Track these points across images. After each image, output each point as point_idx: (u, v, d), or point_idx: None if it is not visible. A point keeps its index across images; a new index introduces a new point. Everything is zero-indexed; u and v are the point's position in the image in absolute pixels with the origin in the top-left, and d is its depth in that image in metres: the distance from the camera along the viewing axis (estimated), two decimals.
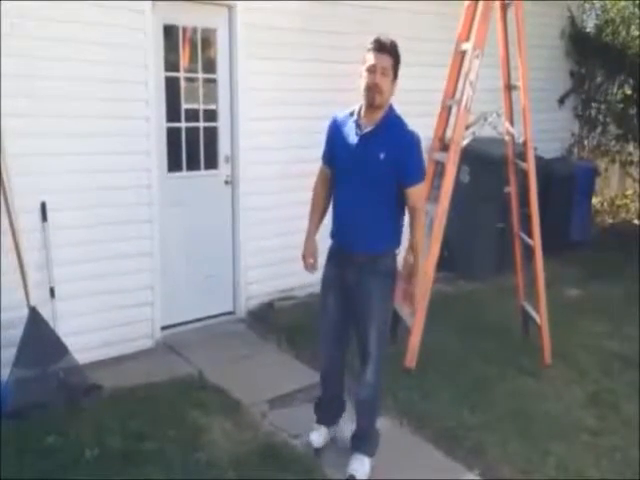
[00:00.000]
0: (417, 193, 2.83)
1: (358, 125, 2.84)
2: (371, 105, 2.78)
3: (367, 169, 2.79)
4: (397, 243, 2.94)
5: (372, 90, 2.73)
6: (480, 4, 3.95)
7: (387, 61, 2.74)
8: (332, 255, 3.01)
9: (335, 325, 3.05)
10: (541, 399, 3.68)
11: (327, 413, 3.26)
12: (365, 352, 2.95)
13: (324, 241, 3.08)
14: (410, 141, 2.81)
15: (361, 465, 2.99)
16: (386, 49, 2.74)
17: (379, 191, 2.79)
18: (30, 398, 3.39)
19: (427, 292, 3.86)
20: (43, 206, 3.78)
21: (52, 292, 3.80)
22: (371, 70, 2.74)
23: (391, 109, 2.85)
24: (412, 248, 2.90)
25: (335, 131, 2.96)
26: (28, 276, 3.64)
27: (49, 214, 3.79)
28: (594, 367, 4.10)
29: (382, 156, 2.75)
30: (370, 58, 2.75)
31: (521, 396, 3.70)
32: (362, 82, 2.78)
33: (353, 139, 2.84)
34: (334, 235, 2.99)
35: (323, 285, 3.07)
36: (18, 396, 3.38)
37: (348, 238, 2.90)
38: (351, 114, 2.90)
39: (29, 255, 3.69)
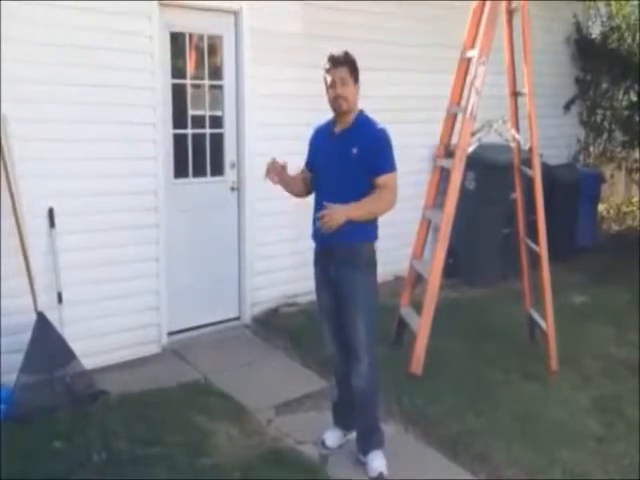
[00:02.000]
0: (386, 180, 2.91)
1: (333, 131, 3.06)
2: (339, 112, 3.00)
3: (340, 165, 2.97)
4: (373, 235, 3.03)
5: (338, 100, 2.96)
6: (486, 10, 3.97)
7: (343, 71, 2.95)
8: (316, 256, 3.15)
9: (334, 321, 3.10)
10: (547, 405, 3.66)
11: (341, 415, 3.28)
12: (355, 344, 3.00)
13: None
14: (379, 134, 2.97)
15: (380, 459, 3.05)
16: (339, 62, 2.96)
17: (353, 184, 2.93)
18: (37, 403, 3.41)
19: (433, 298, 3.86)
20: (50, 212, 3.80)
21: (59, 297, 3.82)
22: (332, 86, 2.96)
23: (361, 112, 3.04)
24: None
25: (314, 139, 3.21)
26: (35, 281, 3.66)
27: (56, 219, 3.82)
28: (600, 373, 4.08)
29: (354, 150, 2.93)
30: (329, 77, 2.98)
31: (527, 402, 3.69)
32: (328, 98, 3.01)
33: (328, 142, 3.08)
34: (314, 234, 3.09)
35: (315, 287, 3.19)
36: (25, 401, 3.41)
37: (321, 232, 3.00)
38: (328, 123, 3.12)
39: (36, 260, 3.72)
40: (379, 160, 2.92)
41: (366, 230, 3.00)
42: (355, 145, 2.93)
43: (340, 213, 2.81)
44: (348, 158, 2.93)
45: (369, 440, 3.10)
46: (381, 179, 2.90)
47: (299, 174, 3.22)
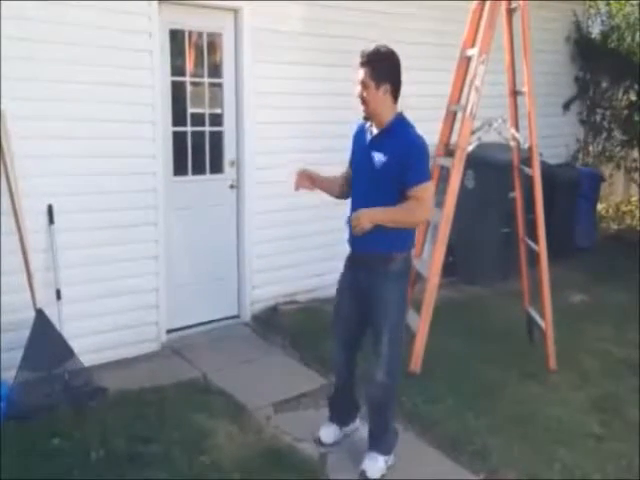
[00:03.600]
0: (417, 192, 2.80)
1: (370, 133, 2.98)
2: (364, 116, 2.94)
3: (372, 171, 2.89)
4: (404, 246, 2.97)
5: (361, 102, 2.90)
6: (486, 9, 3.96)
7: (363, 72, 2.86)
8: (347, 259, 3.12)
9: (348, 327, 3.11)
10: (546, 404, 3.67)
11: (338, 412, 3.30)
12: (377, 353, 2.98)
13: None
14: (412, 143, 2.86)
15: (374, 463, 3.03)
16: (363, 62, 2.87)
17: (384, 193, 2.85)
18: (36, 400, 3.41)
19: (432, 297, 3.86)
20: (50, 209, 3.80)
21: (58, 294, 3.82)
22: (358, 84, 2.90)
23: (398, 116, 2.94)
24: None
25: (355, 138, 3.11)
26: (34, 278, 3.66)
27: (55, 216, 3.81)
28: (599, 372, 4.09)
29: (386, 158, 2.85)
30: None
31: (526, 401, 3.70)
32: None
33: (365, 144, 2.99)
34: (348, 239, 3.05)
35: (338, 288, 3.17)
36: (24, 398, 3.41)
37: (358, 238, 2.97)
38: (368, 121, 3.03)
39: (35, 257, 3.72)
40: (410, 171, 2.81)
41: (401, 239, 2.93)
42: (387, 152, 2.84)
43: (366, 218, 2.76)
44: (378, 165, 2.86)
45: (373, 441, 3.09)
46: (412, 191, 2.80)
47: (342, 174, 3.15)
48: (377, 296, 2.93)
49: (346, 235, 3.01)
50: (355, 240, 2.98)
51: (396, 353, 3.00)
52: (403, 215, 2.84)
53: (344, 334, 3.14)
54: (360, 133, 3.06)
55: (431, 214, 2.91)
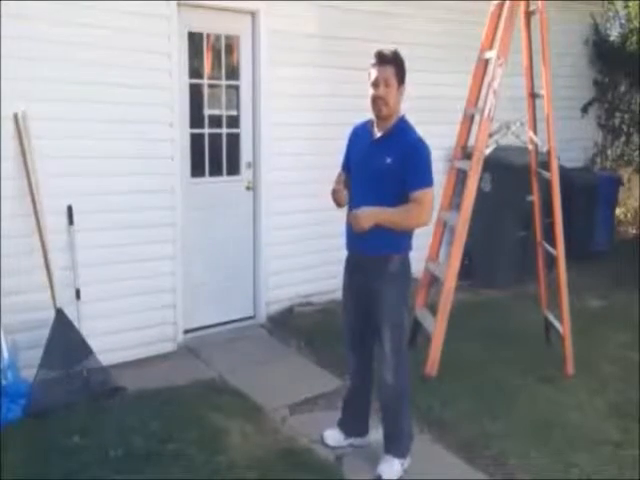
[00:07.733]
0: (418, 196, 2.80)
1: (371, 134, 2.96)
2: (378, 117, 2.91)
3: (374, 173, 2.89)
4: (403, 247, 2.96)
5: (377, 103, 2.87)
6: (504, 12, 3.95)
7: (389, 71, 2.85)
8: (346, 261, 3.12)
9: (352, 328, 3.12)
10: (563, 409, 3.64)
11: (347, 418, 3.29)
12: (382, 354, 2.99)
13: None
14: (415, 146, 2.86)
15: (389, 466, 3.02)
16: (387, 60, 2.85)
17: (383, 195, 2.84)
18: (55, 398, 3.45)
19: (448, 300, 3.85)
20: (69, 209, 3.84)
21: (77, 294, 3.86)
22: (375, 84, 2.87)
23: (402, 118, 2.94)
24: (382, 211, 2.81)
25: (352, 139, 3.11)
26: (54, 278, 3.70)
27: (75, 217, 3.85)
28: (616, 377, 4.05)
29: (388, 160, 2.84)
30: (373, 72, 2.87)
31: (543, 405, 3.67)
32: (369, 96, 2.90)
33: (365, 146, 2.97)
34: (346, 241, 3.06)
35: (342, 291, 3.17)
36: (43, 396, 3.45)
37: (354, 240, 2.98)
38: (367, 123, 3.03)
39: (55, 257, 3.76)
40: (412, 174, 2.81)
41: (397, 241, 2.92)
42: (390, 155, 2.83)
43: (365, 216, 2.77)
44: (380, 167, 2.85)
45: (388, 444, 3.09)
46: (413, 194, 2.80)
47: (342, 181, 3.06)
48: (375, 297, 2.93)
49: (344, 237, 3.04)
50: (352, 242, 2.99)
51: (401, 354, 2.99)
52: (402, 217, 2.83)
53: (350, 336, 3.15)
54: (359, 134, 3.05)
55: (430, 219, 2.88)
